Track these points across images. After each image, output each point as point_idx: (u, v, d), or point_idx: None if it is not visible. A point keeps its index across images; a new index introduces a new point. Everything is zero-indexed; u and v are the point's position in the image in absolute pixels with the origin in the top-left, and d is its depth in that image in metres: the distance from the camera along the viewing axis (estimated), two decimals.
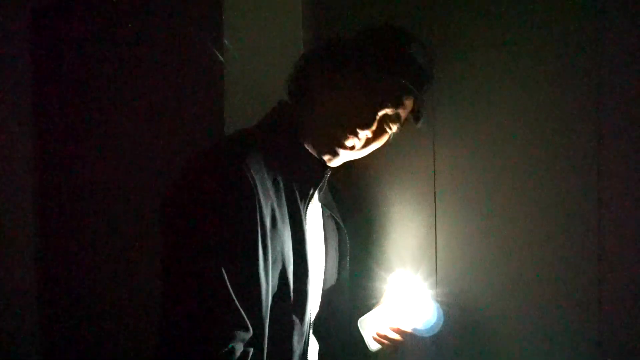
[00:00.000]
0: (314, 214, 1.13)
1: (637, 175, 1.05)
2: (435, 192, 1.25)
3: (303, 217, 1.02)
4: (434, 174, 1.26)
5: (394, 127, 1.07)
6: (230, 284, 0.88)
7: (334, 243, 1.19)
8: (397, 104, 1.04)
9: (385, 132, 1.07)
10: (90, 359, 1.62)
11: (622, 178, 1.07)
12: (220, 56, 1.34)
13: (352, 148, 1.06)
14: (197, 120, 1.41)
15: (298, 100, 1.08)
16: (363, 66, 1.02)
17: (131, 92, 1.52)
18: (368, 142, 1.06)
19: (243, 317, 0.90)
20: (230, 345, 0.88)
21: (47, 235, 1.70)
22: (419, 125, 1.10)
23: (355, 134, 1.04)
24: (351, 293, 1.23)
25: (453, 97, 1.25)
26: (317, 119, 1.04)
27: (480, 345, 1.21)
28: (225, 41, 1.33)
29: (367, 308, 1.19)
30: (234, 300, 0.89)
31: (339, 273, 1.20)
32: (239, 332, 0.89)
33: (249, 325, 0.91)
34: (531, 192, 1.15)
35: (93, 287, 1.63)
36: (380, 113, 1.04)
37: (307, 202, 1.05)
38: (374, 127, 1.04)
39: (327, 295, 1.17)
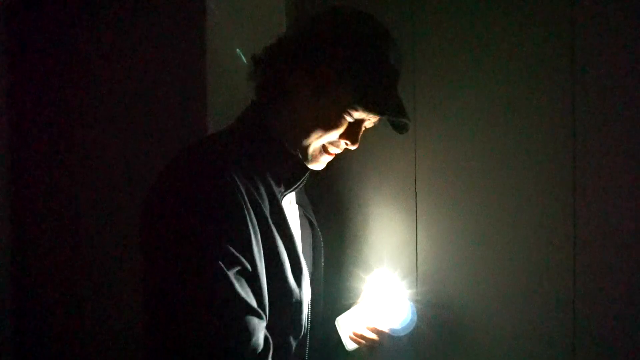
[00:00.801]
0: (290, 213, 1.13)
1: (611, 171, 1.06)
2: (416, 192, 1.27)
3: (285, 215, 1.02)
4: (415, 174, 1.27)
5: (371, 126, 1.09)
6: (235, 281, 0.87)
7: (309, 242, 1.20)
8: (379, 118, 1.07)
9: (363, 133, 1.08)
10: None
11: (597, 174, 1.08)
12: (202, 54, 1.34)
13: (335, 154, 1.08)
14: (179, 119, 1.40)
15: (271, 99, 1.06)
16: (347, 78, 1.00)
17: (111, 89, 1.51)
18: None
19: (253, 307, 0.88)
20: (254, 337, 0.87)
21: (23, 237, 1.68)
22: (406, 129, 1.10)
23: (340, 147, 1.07)
24: (327, 292, 1.23)
25: (433, 96, 1.25)
26: (299, 127, 1.03)
27: (458, 343, 1.22)
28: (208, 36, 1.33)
29: (345, 307, 1.19)
30: (241, 295, 0.87)
31: (314, 272, 1.20)
32: (256, 321, 0.88)
33: (262, 313, 0.90)
34: (509, 192, 1.16)
35: (71, 290, 1.62)
36: (366, 125, 1.07)
37: (284, 203, 1.05)
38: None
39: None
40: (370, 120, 1.06)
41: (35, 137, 1.65)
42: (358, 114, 1.02)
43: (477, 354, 1.21)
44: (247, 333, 0.87)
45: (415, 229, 1.27)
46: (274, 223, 0.98)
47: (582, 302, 1.10)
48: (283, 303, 0.97)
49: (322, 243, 1.21)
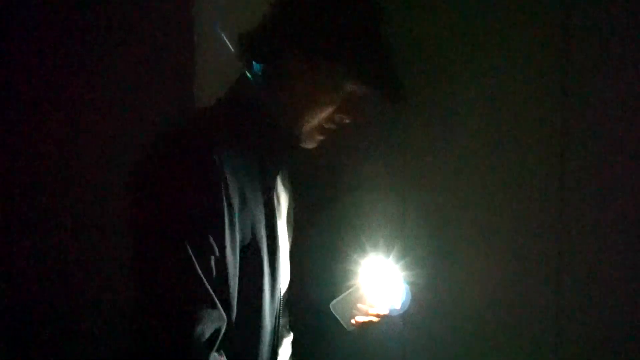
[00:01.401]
0: (283, 194, 1.14)
1: (599, 172, 1.09)
2: (405, 179, 1.31)
3: (274, 195, 1.03)
4: (404, 161, 1.31)
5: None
6: (197, 264, 0.87)
7: (299, 224, 1.21)
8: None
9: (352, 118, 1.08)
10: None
11: (585, 175, 1.11)
12: (191, 38, 1.32)
13: (331, 130, 1.07)
14: (166, 106, 1.39)
15: (262, 76, 1.04)
16: (337, 49, 0.98)
17: (96, 77, 1.48)
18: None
19: (213, 298, 0.89)
20: (200, 327, 0.87)
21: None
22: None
23: (337, 123, 1.05)
24: (318, 276, 1.26)
25: (422, 84, 1.28)
26: (294, 106, 1.02)
27: (444, 320, 1.29)
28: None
29: (335, 293, 1.22)
30: (202, 281, 0.87)
31: (302, 254, 1.22)
32: (209, 312, 0.88)
33: (218, 304, 0.90)
34: (497, 180, 1.20)
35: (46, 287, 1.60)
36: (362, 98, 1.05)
37: (276, 181, 1.05)
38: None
39: (295, 274, 1.20)
40: (365, 92, 1.04)
41: (16, 125, 1.61)
42: (354, 88, 1.01)
43: (462, 331, 1.28)
44: (194, 320, 0.87)
45: (403, 215, 1.31)
46: (262, 201, 0.99)
47: (565, 282, 1.14)
48: (255, 286, 0.98)
49: (306, 220, 1.22)
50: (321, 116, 1.03)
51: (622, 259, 1.07)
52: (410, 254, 1.30)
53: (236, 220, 0.93)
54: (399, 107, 1.09)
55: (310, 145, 1.08)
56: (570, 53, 1.11)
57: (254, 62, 1.04)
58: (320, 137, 1.07)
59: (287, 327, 1.22)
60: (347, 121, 1.06)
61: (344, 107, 1.03)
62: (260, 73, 1.04)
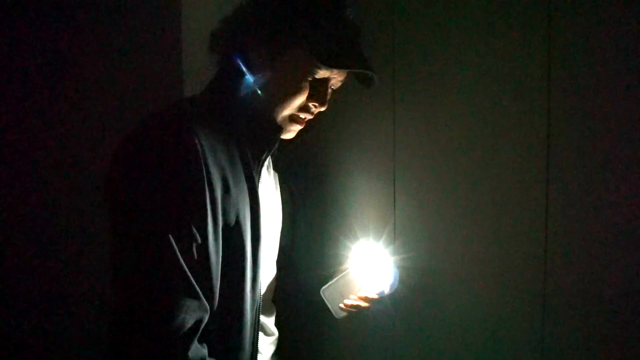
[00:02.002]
0: (269, 180, 1.14)
1: (583, 171, 1.10)
2: (394, 165, 1.32)
3: (256, 182, 1.02)
4: (394, 154, 1.32)
5: (339, 85, 1.09)
6: (179, 252, 0.86)
7: (289, 212, 1.21)
8: (344, 76, 1.05)
9: (332, 94, 1.08)
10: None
11: (570, 172, 1.11)
12: (178, 39, 1.31)
13: (306, 121, 1.07)
14: (156, 106, 1.38)
15: (235, 70, 1.03)
16: (301, 34, 0.98)
17: (85, 78, 1.46)
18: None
19: (194, 287, 0.88)
20: (181, 317, 0.86)
21: None
22: (377, 82, 1.08)
23: (311, 112, 1.05)
24: (309, 263, 1.26)
25: (412, 75, 1.28)
26: (265, 96, 1.02)
27: (431, 302, 1.30)
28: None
29: (325, 277, 1.23)
30: (184, 270, 0.87)
31: (293, 240, 1.22)
32: (190, 302, 0.88)
33: (201, 295, 0.89)
34: (485, 167, 1.21)
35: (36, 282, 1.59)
36: (330, 84, 1.05)
37: (260, 167, 1.04)
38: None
39: (284, 264, 1.20)
40: (335, 78, 1.05)
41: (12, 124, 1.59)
42: (320, 73, 1.00)
43: (450, 314, 1.29)
44: (176, 310, 0.86)
45: (393, 200, 1.32)
46: (247, 187, 0.99)
47: (552, 265, 1.14)
48: (237, 274, 0.97)
49: (301, 212, 1.22)
50: (292, 105, 1.02)
51: (608, 258, 1.08)
52: (399, 238, 1.32)
53: (219, 206, 0.92)
54: (373, 90, 1.08)
55: (287, 135, 1.07)
56: (555, 52, 1.11)
57: (225, 59, 1.04)
58: (296, 127, 1.07)
59: (273, 324, 1.22)
60: (321, 109, 1.05)
61: (314, 94, 1.02)
62: (232, 68, 1.04)
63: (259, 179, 1.03)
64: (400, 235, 1.32)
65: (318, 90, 1.02)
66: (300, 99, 1.02)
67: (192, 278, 0.88)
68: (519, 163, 1.17)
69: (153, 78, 1.37)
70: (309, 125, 1.10)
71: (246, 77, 1.02)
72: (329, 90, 1.05)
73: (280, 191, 1.19)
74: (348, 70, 1.03)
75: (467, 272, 1.25)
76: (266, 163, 1.11)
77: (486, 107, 1.21)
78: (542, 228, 1.15)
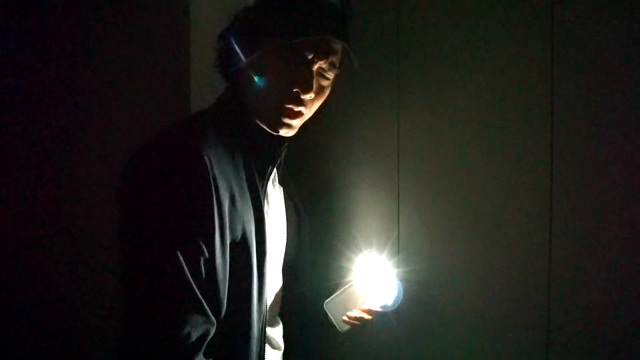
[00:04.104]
0: (274, 194, 1.15)
1: (587, 169, 1.09)
2: (399, 178, 1.31)
3: (262, 196, 1.03)
4: (398, 160, 1.31)
5: (331, 76, 1.07)
6: (186, 267, 0.87)
7: (294, 225, 1.22)
8: (325, 53, 1.03)
9: (324, 85, 1.08)
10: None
11: (574, 171, 1.10)
12: (186, 47, 1.32)
13: (302, 113, 1.06)
14: (163, 107, 1.39)
15: (237, 79, 1.06)
16: (275, 27, 1.00)
17: (93, 79, 1.48)
18: (313, 100, 1.07)
19: (200, 301, 0.89)
20: (186, 330, 0.87)
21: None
22: (356, 65, 1.08)
23: (301, 101, 1.03)
24: (313, 276, 1.26)
25: (417, 80, 1.28)
26: (259, 97, 1.02)
27: (436, 316, 1.28)
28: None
29: (328, 290, 1.23)
30: (190, 284, 0.88)
31: (299, 254, 1.22)
32: (196, 316, 0.89)
33: (207, 309, 0.90)
34: (488, 179, 1.20)
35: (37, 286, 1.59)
36: (314, 69, 1.03)
37: (265, 181, 1.05)
38: (314, 87, 1.03)
39: (289, 278, 1.20)
40: (317, 61, 1.03)
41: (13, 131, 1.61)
42: (294, 54, 1.00)
43: (454, 327, 1.27)
44: (181, 324, 0.87)
45: (397, 212, 1.31)
46: (252, 203, 1.00)
47: (556, 279, 1.13)
48: (244, 288, 0.98)
49: (307, 225, 1.23)
50: (278, 95, 1.02)
51: (612, 256, 1.06)
52: (403, 251, 1.32)
53: (226, 221, 0.93)
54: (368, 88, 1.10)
55: (283, 131, 1.05)
56: (559, 51, 1.11)
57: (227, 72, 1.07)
58: (291, 121, 1.05)
59: (280, 336, 1.22)
60: (307, 96, 1.03)
61: (295, 78, 1.01)
62: (235, 79, 1.07)
63: (264, 193, 1.05)
64: (404, 248, 1.31)
65: (297, 74, 1.01)
66: (282, 87, 1.01)
67: (198, 292, 0.89)
68: (523, 175, 1.17)
69: (160, 78, 1.39)
70: (308, 122, 1.11)
71: (245, 85, 1.04)
72: (312, 73, 1.03)
73: (285, 205, 1.20)
74: (305, 38, 1.00)
75: (472, 285, 1.24)
76: (272, 177, 1.12)
77: (489, 118, 1.21)
78: (546, 242, 1.14)
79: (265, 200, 1.05)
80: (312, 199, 1.35)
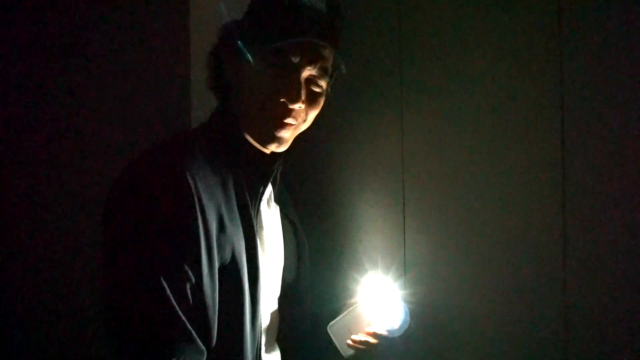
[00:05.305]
0: (269, 214, 1.11)
1: (600, 172, 1.06)
2: (404, 194, 1.27)
3: (254, 217, 1.00)
4: (402, 176, 1.28)
5: (324, 84, 1.03)
6: (172, 294, 0.85)
7: (292, 246, 1.18)
8: (312, 57, 0.98)
9: (317, 94, 1.03)
10: None
11: (587, 172, 1.07)
12: (187, 55, 1.32)
13: (292, 125, 1.01)
14: (163, 111, 1.38)
15: (227, 97, 1.05)
16: (260, 36, 0.97)
17: (93, 82, 1.48)
18: (306, 111, 1.03)
19: (189, 330, 0.86)
20: None
21: None
22: (344, 70, 1.05)
23: (289, 111, 0.99)
24: (314, 298, 1.22)
25: (420, 95, 1.25)
26: (248, 110, 1.00)
27: (445, 340, 1.23)
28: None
29: (331, 312, 1.19)
30: (177, 312, 0.85)
31: (298, 277, 1.19)
32: (185, 346, 0.86)
33: (195, 337, 0.87)
34: (498, 192, 1.16)
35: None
36: (303, 76, 0.99)
37: (258, 201, 1.02)
38: (302, 96, 0.99)
39: (288, 301, 1.16)
40: (305, 68, 0.98)
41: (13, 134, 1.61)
42: (274, 58, 0.96)
43: (464, 350, 1.22)
44: (170, 355, 0.84)
45: (403, 231, 1.27)
46: (242, 225, 0.96)
47: (572, 303, 1.09)
48: (235, 313, 0.95)
49: (306, 247, 1.19)
50: (264, 104, 0.98)
51: (627, 257, 1.03)
52: (410, 271, 1.27)
53: (214, 243, 0.90)
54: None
55: (273, 145, 1.02)
56: (567, 50, 1.07)
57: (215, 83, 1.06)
58: (278, 134, 1.00)
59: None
60: (295, 106, 0.99)
61: (282, 87, 0.97)
62: (223, 96, 1.06)
63: (256, 213, 1.01)
64: (411, 267, 1.26)
65: (284, 82, 0.97)
66: (269, 97, 0.98)
67: (186, 321, 0.86)
68: (534, 182, 1.12)
69: (160, 79, 1.38)
70: (306, 135, 1.08)
71: (234, 100, 1.02)
72: (299, 80, 0.98)
73: (282, 225, 1.16)
74: (288, 41, 0.96)
75: (484, 307, 1.19)
76: (266, 197, 1.08)
77: (498, 126, 1.16)
78: (561, 265, 1.09)
79: (257, 221, 1.02)
80: (314, 216, 1.31)
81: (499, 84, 1.16)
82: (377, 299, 1.17)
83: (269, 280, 1.07)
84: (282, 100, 0.98)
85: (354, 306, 1.18)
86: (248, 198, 0.99)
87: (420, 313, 1.20)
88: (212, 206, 0.91)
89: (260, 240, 1.02)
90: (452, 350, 1.24)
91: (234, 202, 0.97)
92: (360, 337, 1.13)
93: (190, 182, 0.88)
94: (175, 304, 0.85)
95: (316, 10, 0.97)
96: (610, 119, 1.04)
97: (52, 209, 1.57)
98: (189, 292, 0.87)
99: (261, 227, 1.05)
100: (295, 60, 0.97)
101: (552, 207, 1.10)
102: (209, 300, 0.90)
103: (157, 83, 1.39)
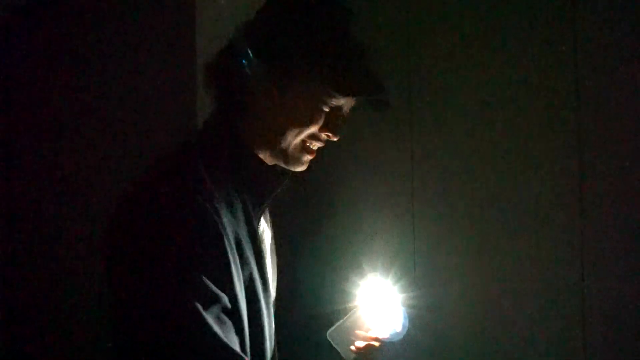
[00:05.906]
0: (263, 226, 1.08)
1: (617, 174, 1.03)
2: (413, 193, 1.25)
3: (257, 231, 0.97)
4: (412, 175, 1.26)
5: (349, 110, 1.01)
6: (214, 324, 0.80)
7: (275, 255, 1.15)
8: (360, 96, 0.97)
9: (355, 130, 1.05)
10: None
11: (603, 178, 1.05)
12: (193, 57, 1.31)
13: (316, 149, 1.00)
14: (168, 123, 1.38)
15: (234, 106, 0.97)
16: (321, 74, 0.91)
17: (98, 84, 1.49)
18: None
19: (235, 352, 0.82)
20: None
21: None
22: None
23: (323, 140, 0.98)
24: (310, 303, 1.22)
25: (430, 98, 1.23)
26: (272, 133, 0.95)
27: (449, 343, 1.23)
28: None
29: (330, 316, 1.17)
30: (222, 340, 0.80)
31: (295, 274, 1.18)
32: None
33: (244, 356, 0.84)
34: (509, 193, 1.14)
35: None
36: (346, 111, 0.98)
37: (259, 215, 0.99)
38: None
39: (290, 300, 1.16)
40: (348, 104, 0.98)
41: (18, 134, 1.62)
42: (334, 101, 0.94)
43: (468, 354, 1.21)
44: None
45: (413, 230, 1.25)
46: (250, 243, 0.93)
47: (590, 310, 1.07)
48: (259, 332, 0.93)
49: (281, 258, 1.16)
50: (303, 135, 0.96)
51: None
52: (416, 272, 1.26)
53: (238, 268, 0.87)
54: (385, 113, 1.03)
55: (297, 167, 1.00)
56: (582, 49, 1.05)
57: (222, 96, 0.97)
58: (307, 157, 1.00)
59: None
60: (334, 139, 0.99)
61: (328, 124, 0.96)
62: (230, 105, 0.97)
63: (258, 227, 0.98)
64: (420, 268, 1.24)
65: (333, 120, 0.96)
66: (313, 130, 0.95)
67: (230, 345, 0.81)
68: (550, 187, 1.10)
69: (166, 81, 1.37)
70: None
71: (248, 114, 0.96)
72: (345, 119, 0.99)
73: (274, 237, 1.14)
74: (367, 97, 0.97)
75: (489, 310, 1.17)
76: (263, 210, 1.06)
77: (511, 129, 1.14)
78: (578, 270, 1.06)
79: (261, 238, 0.99)
80: (314, 220, 1.30)
81: (512, 83, 1.13)
82: (378, 303, 1.14)
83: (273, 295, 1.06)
84: (326, 134, 0.97)
85: (353, 311, 1.15)
86: (252, 214, 0.95)
87: (422, 317, 1.18)
88: (229, 230, 0.86)
89: (265, 255, 0.99)
90: (456, 354, 1.23)
91: (242, 218, 0.92)
92: (362, 343, 1.11)
93: (211, 201, 0.84)
94: (219, 333, 0.80)
95: (362, 46, 0.96)
96: (628, 118, 1.01)
97: (59, 210, 1.58)
98: (226, 319, 0.83)
99: (262, 240, 1.02)
100: (345, 107, 0.97)
101: (568, 209, 1.08)
102: (245, 325, 0.87)
103: (163, 86, 1.39)
